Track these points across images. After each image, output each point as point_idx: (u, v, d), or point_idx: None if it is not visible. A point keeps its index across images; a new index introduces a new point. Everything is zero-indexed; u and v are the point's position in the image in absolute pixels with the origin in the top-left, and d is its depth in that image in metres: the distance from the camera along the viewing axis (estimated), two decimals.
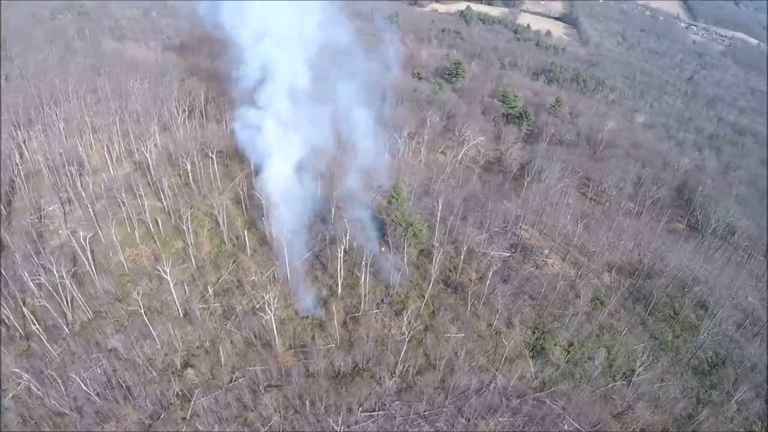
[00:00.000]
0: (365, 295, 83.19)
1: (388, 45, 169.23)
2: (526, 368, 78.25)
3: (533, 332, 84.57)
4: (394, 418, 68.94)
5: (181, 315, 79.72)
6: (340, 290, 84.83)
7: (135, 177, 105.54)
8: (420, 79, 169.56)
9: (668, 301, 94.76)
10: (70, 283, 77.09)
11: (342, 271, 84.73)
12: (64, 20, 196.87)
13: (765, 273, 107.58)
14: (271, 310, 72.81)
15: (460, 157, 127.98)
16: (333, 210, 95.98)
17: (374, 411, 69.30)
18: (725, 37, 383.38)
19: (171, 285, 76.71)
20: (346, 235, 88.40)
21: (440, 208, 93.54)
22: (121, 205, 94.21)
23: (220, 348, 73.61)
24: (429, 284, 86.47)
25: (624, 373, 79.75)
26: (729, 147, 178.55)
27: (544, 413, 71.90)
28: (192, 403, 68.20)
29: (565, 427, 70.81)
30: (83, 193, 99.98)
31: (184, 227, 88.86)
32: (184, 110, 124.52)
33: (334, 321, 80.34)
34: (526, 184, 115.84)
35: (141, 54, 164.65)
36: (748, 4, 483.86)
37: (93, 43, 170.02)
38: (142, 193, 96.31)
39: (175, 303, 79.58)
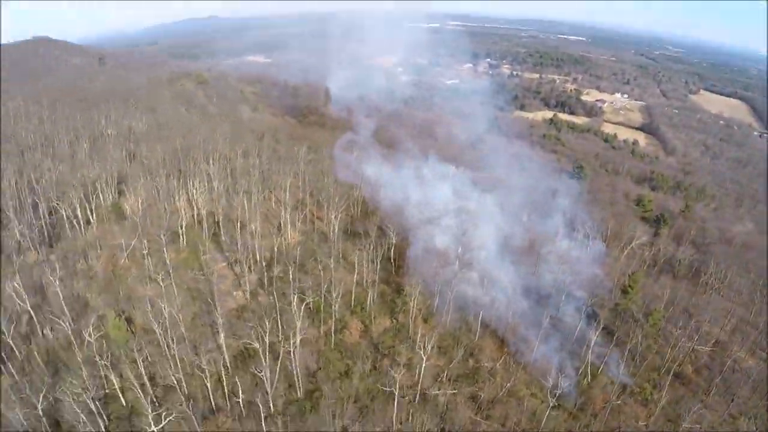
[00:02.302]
0: None
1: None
2: None
3: None
4: None
5: (415, 399, 69.58)
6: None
7: (311, 247, 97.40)
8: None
9: None
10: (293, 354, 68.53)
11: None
12: (188, 86, 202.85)
13: None
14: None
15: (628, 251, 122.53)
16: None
17: None
18: None
19: (423, 364, 67.54)
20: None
21: None
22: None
23: None
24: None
25: None
26: None
27: None
28: None
29: None
30: (256, 256, 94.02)
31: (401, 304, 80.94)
32: None
33: None
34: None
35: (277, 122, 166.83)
36: None
37: (229, 109, 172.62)
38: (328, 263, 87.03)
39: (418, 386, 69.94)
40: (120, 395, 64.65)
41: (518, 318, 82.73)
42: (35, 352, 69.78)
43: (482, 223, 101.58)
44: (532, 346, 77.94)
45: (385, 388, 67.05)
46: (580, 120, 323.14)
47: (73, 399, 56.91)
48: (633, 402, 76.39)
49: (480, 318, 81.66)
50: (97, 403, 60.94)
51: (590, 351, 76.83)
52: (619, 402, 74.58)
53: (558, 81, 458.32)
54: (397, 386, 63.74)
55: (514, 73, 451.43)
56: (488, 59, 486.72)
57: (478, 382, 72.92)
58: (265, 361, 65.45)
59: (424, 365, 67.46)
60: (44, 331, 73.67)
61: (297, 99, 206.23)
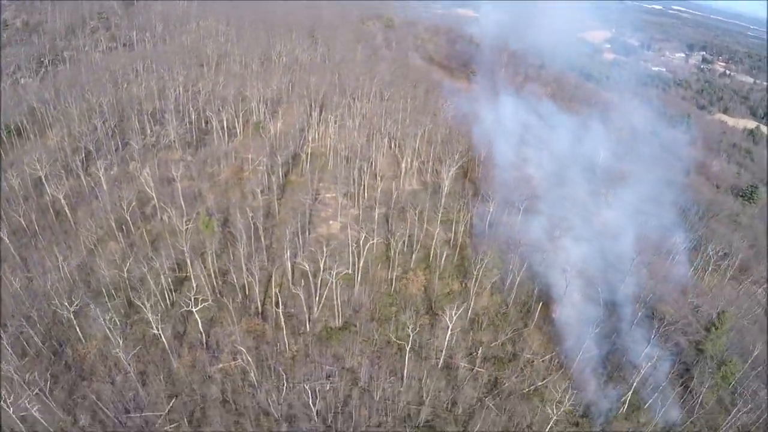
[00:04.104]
0: None
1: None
2: None
3: None
4: None
5: (439, 366, 70.54)
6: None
7: (421, 197, 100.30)
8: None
9: None
10: (336, 282, 72.80)
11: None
12: (372, 28, 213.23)
13: None
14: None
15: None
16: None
17: None
18: None
19: (448, 332, 68.43)
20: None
21: None
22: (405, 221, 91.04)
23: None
24: None
25: None
26: None
27: None
28: None
29: None
30: (365, 195, 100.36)
31: (474, 271, 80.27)
32: None
33: None
34: None
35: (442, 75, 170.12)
36: None
37: (400, 55, 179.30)
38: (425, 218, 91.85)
39: (442, 352, 71.01)
40: (192, 280, 75.97)
41: (582, 320, 76.61)
42: (144, 231, 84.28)
43: (593, 213, 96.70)
44: (584, 353, 72.32)
45: (396, 340, 70.32)
46: None
47: (148, 273, 69.55)
48: None
49: (539, 308, 78.65)
50: (170, 280, 73.94)
51: (636, 380, 68.04)
52: None
53: None
54: (409, 342, 65.96)
55: (727, 72, 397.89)
56: (704, 52, 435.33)
57: (509, 370, 71.08)
58: (312, 285, 73.90)
59: (449, 334, 68.41)
60: (163, 217, 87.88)
61: (476, 56, 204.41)
